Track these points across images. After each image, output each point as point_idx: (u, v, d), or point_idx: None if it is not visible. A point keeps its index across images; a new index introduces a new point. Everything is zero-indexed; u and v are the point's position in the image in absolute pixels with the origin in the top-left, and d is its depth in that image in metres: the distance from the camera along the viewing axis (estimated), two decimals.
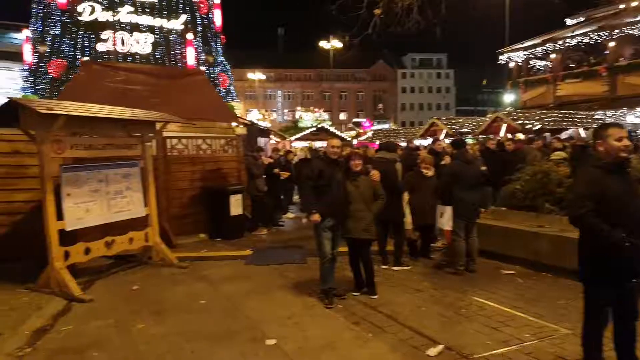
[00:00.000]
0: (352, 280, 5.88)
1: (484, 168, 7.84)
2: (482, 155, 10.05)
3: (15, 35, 45.89)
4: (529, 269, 6.56)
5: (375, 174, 5.91)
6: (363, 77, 74.86)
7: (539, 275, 6.35)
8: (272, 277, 6.65)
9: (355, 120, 60.49)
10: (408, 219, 7.03)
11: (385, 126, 54.10)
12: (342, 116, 72.22)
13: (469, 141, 18.84)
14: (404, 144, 19.61)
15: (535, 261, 6.55)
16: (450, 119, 30.03)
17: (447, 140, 18.88)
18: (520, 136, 19.32)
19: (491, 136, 19.89)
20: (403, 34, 10.02)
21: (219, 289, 6.20)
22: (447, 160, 7.67)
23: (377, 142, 28.95)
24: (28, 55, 22.18)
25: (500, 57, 32.73)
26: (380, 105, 75.07)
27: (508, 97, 38.81)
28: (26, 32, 22.91)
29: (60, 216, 5.92)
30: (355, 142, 31.27)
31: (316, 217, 5.36)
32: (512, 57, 32.45)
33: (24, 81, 22.67)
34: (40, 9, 21.91)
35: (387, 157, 7.06)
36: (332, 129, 32.82)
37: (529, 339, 4.26)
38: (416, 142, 17.99)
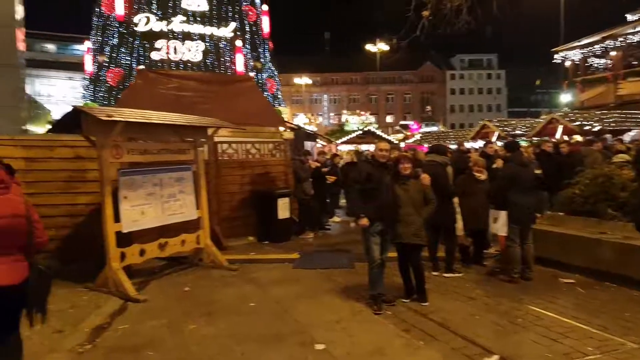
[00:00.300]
0: (402, 287, 5.77)
1: (538, 171, 7.53)
2: (538, 158, 9.65)
3: (77, 46, 48.58)
4: (590, 278, 6.22)
5: (425, 178, 5.79)
6: (410, 79, 73.91)
7: (601, 284, 6.01)
8: (320, 281, 6.64)
9: (402, 122, 59.74)
10: (460, 224, 6.84)
11: (434, 129, 53.04)
12: (389, 119, 71.54)
13: (523, 143, 18.17)
14: (454, 147, 19.18)
15: (596, 270, 6.21)
16: (502, 121, 29.11)
17: (499, 143, 18.33)
18: (578, 138, 18.45)
19: (546, 138, 19.10)
20: (452, 35, 9.80)
21: (267, 291, 6.25)
22: (499, 163, 7.42)
23: (426, 145, 28.51)
24: (89, 65, 23.42)
25: (556, 56, 31.45)
26: (429, 108, 73.79)
27: (564, 98, 37.15)
28: (87, 44, 24.22)
29: (117, 218, 6.16)
30: (402, 145, 30.85)
31: (364, 221, 5.30)
32: (568, 55, 31.11)
33: (85, 90, 23.94)
34: (100, 21, 23.07)
35: (437, 160, 6.91)
36: (378, 132, 32.50)
37: (592, 352, 4.02)
38: (467, 145, 17.51)
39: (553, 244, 6.80)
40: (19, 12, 9.22)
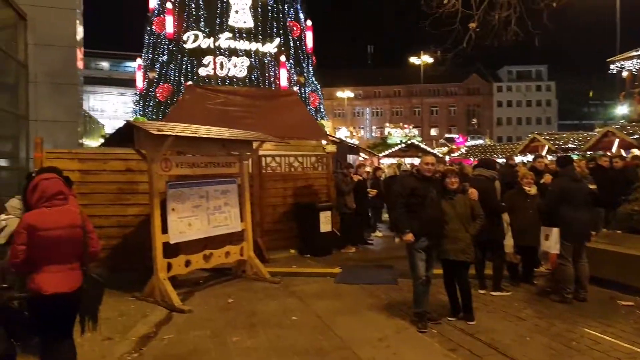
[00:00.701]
0: (447, 305, 5.60)
1: (593, 187, 7.19)
2: (592, 173, 9.20)
3: (129, 64, 50.91)
4: None
5: (473, 192, 5.64)
6: (455, 91, 72.70)
7: None
8: (362, 297, 6.55)
9: (447, 135, 58.87)
10: (509, 241, 6.59)
11: (480, 142, 51.90)
12: (433, 132, 70.56)
13: (575, 157, 17.46)
14: (501, 161, 18.65)
15: None
16: (552, 134, 28.11)
17: (550, 157, 17.67)
18: (637, 152, 17.51)
19: (601, 152, 18.27)
20: (499, 46, 9.58)
21: (309, 305, 6.22)
22: (547, 178, 7.14)
23: (472, 159, 27.88)
24: (139, 81, 24.48)
25: (612, 66, 30.13)
26: (474, 120, 72.20)
27: (620, 110, 35.46)
28: (139, 61, 25.34)
29: (164, 230, 6.33)
30: (447, 158, 30.31)
31: (409, 236, 5.20)
32: (625, 65, 29.70)
33: (135, 105, 24.99)
34: (151, 39, 24.08)
35: (485, 175, 6.71)
36: (422, 145, 32.12)
37: None
38: (516, 159, 16.98)
39: (610, 264, 6.44)
40: (80, 32, 9.72)
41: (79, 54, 9.70)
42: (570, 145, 24.01)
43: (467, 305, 5.42)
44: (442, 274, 5.60)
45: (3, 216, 4.61)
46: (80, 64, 9.83)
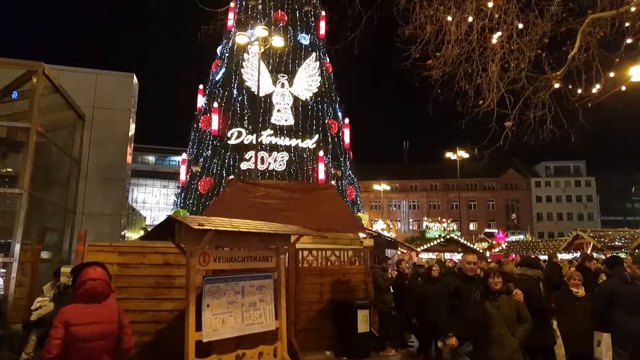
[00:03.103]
0: None
1: None
2: None
3: (174, 158, 53.74)
4: None
5: (518, 294, 5.35)
6: (493, 186, 72.22)
7: None
8: None
9: (487, 231, 57.53)
10: (560, 349, 6.09)
11: (520, 237, 50.32)
12: (472, 226, 69.20)
13: (623, 255, 16.55)
14: (543, 258, 17.89)
15: None
16: (596, 231, 27.00)
17: (595, 254, 16.83)
18: None
19: None
20: (536, 143, 9.62)
21: None
22: (603, 279, 6.74)
23: (514, 255, 26.89)
24: (183, 174, 25.59)
25: None
26: (514, 215, 70.64)
27: None
28: (183, 155, 26.71)
29: (198, 326, 6.19)
30: (488, 254, 29.34)
31: (452, 341, 4.90)
32: None
33: (177, 197, 25.93)
34: (197, 135, 25.55)
35: (529, 274, 6.41)
36: (462, 240, 31.37)
37: None
38: (560, 256, 16.28)
39: None
40: (132, 130, 10.44)
41: (129, 149, 10.35)
42: (617, 243, 22.91)
43: None
44: None
45: (39, 298, 5.38)
46: (129, 159, 10.45)
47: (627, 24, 7.85)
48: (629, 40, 7.97)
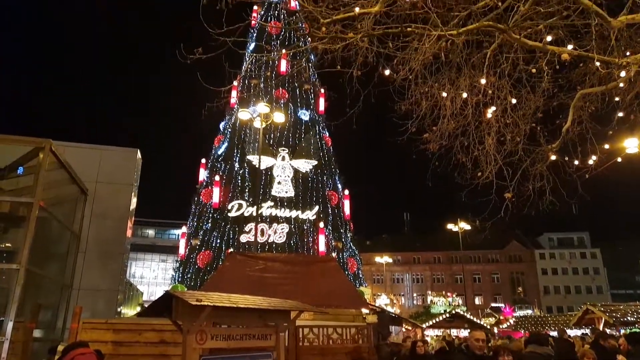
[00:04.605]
0: None
1: None
2: None
3: (174, 231, 53.44)
4: None
5: None
6: (497, 258, 71.06)
7: None
8: None
9: (493, 305, 56.02)
10: None
11: (528, 312, 48.88)
12: (477, 300, 67.28)
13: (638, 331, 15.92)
14: (553, 334, 17.24)
15: None
16: (607, 306, 26.14)
17: (608, 331, 16.20)
18: None
19: None
20: (537, 215, 9.59)
21: None
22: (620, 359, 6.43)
23: (523, 331, 25.93)
24: (182, 248, 25.36)
25: None
26: (520, 289, 68.93)
27: None
28: (183, 229, 26.63)
29: None
30: (496, 330, 28.34)
31: None
32: None
33: (174, 271, 25.54)
34: (197, 208, 25.65)
35: (539, 352, 6.13)
36: (468, 316, 30.42)
37: None
38: (570, 332, 15.70)
39: None
40: (133, 204, 10.47)
41: (129, 223, 10.33)
42: (629, 318, 22.12)
43: None
44: None
45: None
46: (129, 233, 10.39)
47: (617, 99, 8.11)
48: (620, 114, 8.20)
